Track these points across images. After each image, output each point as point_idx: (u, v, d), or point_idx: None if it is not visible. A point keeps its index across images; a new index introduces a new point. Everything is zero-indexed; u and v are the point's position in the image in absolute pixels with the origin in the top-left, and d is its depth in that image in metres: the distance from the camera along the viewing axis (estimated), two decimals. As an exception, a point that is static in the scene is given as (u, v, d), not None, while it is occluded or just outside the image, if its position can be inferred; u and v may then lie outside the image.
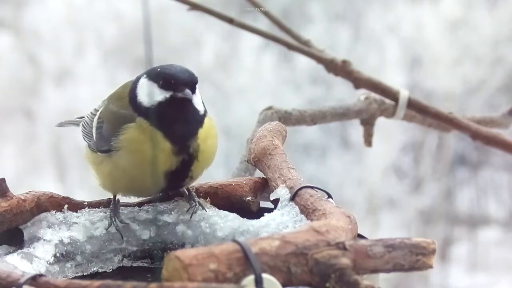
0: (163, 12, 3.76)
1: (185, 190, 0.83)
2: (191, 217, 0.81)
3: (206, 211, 0.81)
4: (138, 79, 0.81)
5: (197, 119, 0.79)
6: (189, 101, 0.77)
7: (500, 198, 4.21)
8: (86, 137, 0.86)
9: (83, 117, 0.91)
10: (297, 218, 0.74)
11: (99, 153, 0.81)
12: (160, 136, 0.77)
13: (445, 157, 4.03)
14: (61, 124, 1.00)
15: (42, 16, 3.94)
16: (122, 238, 0.79)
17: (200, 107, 0.80)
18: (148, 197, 0.84)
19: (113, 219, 0.80)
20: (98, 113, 0.84)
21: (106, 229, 0.79)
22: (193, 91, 0.78)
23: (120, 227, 0.80)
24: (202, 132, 0.79)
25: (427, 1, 4.03)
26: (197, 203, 0.81)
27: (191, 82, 0.78)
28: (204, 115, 0.80)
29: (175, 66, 0.79)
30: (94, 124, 0.84)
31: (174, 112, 0.78)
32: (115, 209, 0.81)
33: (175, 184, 0.81)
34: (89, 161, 0.84)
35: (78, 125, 0.92)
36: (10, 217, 0.76)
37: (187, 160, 0.79)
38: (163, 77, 0.77)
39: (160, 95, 0.77)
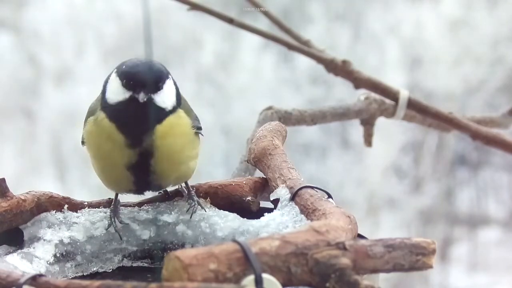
0: (163, 12, 3.76)
1: (184, 189, 0.83)
2: (191, 217, 0.81)
3: (205, 211, 0.81)
4: (111, 72, 0.80)
5: (156, 117, 0.78)
6: (146, 103, 0.76)
7: (500, 198, 4.21)
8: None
9: None
10: (297, 218, 0.74)
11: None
12: (114, 129, 0.77)
13: (445, 157, 4.03)
14: None
15: (42, 16, 3.94)
16: (121, 238, 0.80)
17: (166, 104, 0.78)
18: (148, 197, 0.84)
19: (112, 219, 0.80)
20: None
21: (106, 229, 0.79)
22: (155, 90, 0.77)
23: (119, 227, 0.80)
24: (159, 128, 0.78)
25: (427, 1, 4.03)
26: (196, 202, 0.81)
27: (152, 83, 0.77)
28: (170, 112, 0.79)
29: (140, 63, 0.78)
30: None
31: (131, 111, 0.77)
32: (115, 209, 0.81)
33: (143, 179, 0.80)
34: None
35: None
36: (10, 217, 0.76)
37: (144, 154, 0.78)
38: (126, 76, 0.77)
39: (121, 94, 0.77)
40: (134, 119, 0.77)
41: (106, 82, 0.80)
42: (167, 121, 0.78)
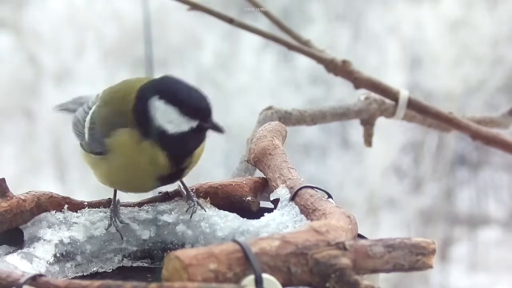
0: (163, 12, 3.76)
1: (183, 190, 0.83)
2: (191, 217, 0.81)
3: (205, 211, 0.81)
4: (145, 98, 0.76)
5: (204, 137, 0.78)
6: (206, 129, 0.76)
7: (500, 198, 4.21)
8: (77, 135, 0.84)
9: (81, 99, 0.90)
10: (297, 218, 0.74)
11: (92, 155, 0.81)
12: (163, 157, 0.76)
13: (445, 157, 4.03)
14: (60, 107, 0.97)
15: (42, 16, 3.94)
16: (122, 238, 0.79)
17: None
18: (148, 197, 0.84)
19: (113, 219, 0.80)
20: (90, 113, 0.82)
21: (106, 229, 0.79)
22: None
23: (120, 227, 0.80)
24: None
25: (427, 1, 4.03)
26: (195, 202, 0.81)
27: (211, 109, 0.76)
28: None
29: (190, 89, 0.75)
30: (87, 124, 0.82)
31: (195, 139, 0.76)
32: (115, 209, 0.81)
33: (169, 183, 0.81)
34: (84, 160, 0.84)
35: (73, 112, 0.90)
36: (10, 217, 0.76)
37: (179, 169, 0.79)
38: (188, 105, 0.74)
39: (184, 123, 0.75)
40: (193, 146, 0.77)
41: (142, 108, 0.75)
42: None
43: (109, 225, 0.79)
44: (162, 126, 0.75)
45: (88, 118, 0.82)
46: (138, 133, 0.76)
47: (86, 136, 0.82)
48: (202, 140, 0.78)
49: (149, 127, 0.75)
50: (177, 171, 0.79)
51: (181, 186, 0.84)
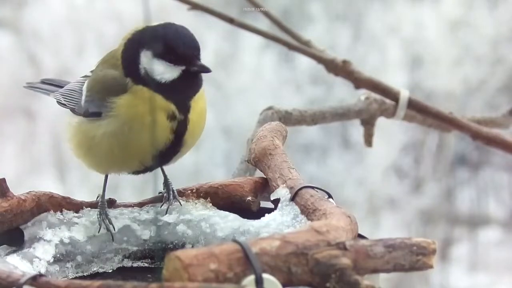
0: (163, 12, 3.76)
1: (163, 186, 0.83)
2: (166, 212, 0.81)
3: (181, 204, 0.81)
4: (136, 50, 0.78)
5: (201, 80, 0.79)
6: (198, 73, 0.77)
7: (500, 198, 4.21)
8: (70, 103, 0.84)
9: (52, 83, 0.91)
10: (297, 218, 0.74)
11: (85, 118, 0.81)
12: (162, 99, 0.77)
13: (446, 157, 4.02)
14: (29, 85, 0.98)
15: (42, 16, 3.94)
16: (113, 240, 0.79)
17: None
18: (148, 198, 0.84)
19: (105, 221, 0.80)
20: (88, 79, 0.84)
21: (99, 232, 0.79)
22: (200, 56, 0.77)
23: (110, 227, 0.79)
24: (194, 99, 0.79)
25: (427, 1, 4.03)
26: (171, 196, 0.82)
27: (199, 50, 0.77)
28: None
29: (177, 31, 0.77)
30: (84, 90, 0.83)
31: (185, 84, 0.78)
32: (103, 206, 0.81)
33: (171, 152, 0.80)
34: (70, 130, 0.83)
35: (47, 93, 0.91)
36: (10, 217, 0.76)
37: (180, 129, 0.78)
38: (172, 53, 0.76)
39: (173, 71, 0.77)
40: (191, 90, 0.78)
41: (132, 60, 0.78)
42: (200, 92, 0.80)
43: (100, 228, 0.79)
44: (154, 76, 0.77)
45: (85, 84, 0.83)
46: (139, 87, 0.77)
47: (83, 100, 0.82)
48: (198, 83, 0.78)
49: (144, 79, 0.78)
50: (180, 129, 0.78)
51: (163, 185, 0.84)
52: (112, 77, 0.79)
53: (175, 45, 0.77)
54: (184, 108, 0.78)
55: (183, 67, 0.77)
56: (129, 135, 0.78)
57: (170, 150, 0.80)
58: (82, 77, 0.86)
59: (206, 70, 0.77)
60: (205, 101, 0.81)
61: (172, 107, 0.77)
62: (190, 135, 0.80)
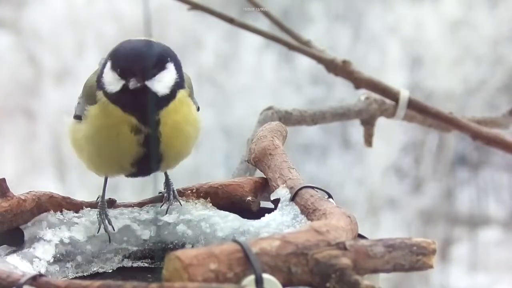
0: (163, 12, 3.76)
1: (165, 187, 0.83)
2: (166, 212, 0.81)
3: (181, 205, 0.81)
4: (105, 62, 0.79)
5: (156, 102, 0.77)
6: (140, 90, 0.75)
7: (500, 198, 4.21)
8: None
9: None
10: (297, 218, 0.74)
11: (74, 119, 0.82)
12: (119, 111, 0.77)
13: (446, 157, 4.02)
14: None
15: (42, 16, 3.94)
16: (110, 241, 0.79)
17: (164, 89, 0.77)
18: (148, 198, 0.84)
19: (105, 221, 0.80)
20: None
21: (98, 232, 0.79)
22: (149, 76, 0.76)
23: (109, 228, 0.80)
24: (163, 114, 0.78)
25: (427, 1, 4.03)
26: (171, 196, 0.82)
27: (140, 69, 0.76)
28: (171, 96, 0.78)
29: (133, 47, 0.77)
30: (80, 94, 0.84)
31: (128, 99, 0.77)
32: (103, 206, 0.81)
33: (149, 167, 0.80)
34: (70, 133, 0.84)
35: None
36: (10, 217, 0.76)
37: (152, 142, 0.78)
38: (118, 65, 0.77)
39: (116, 83, 0.77)
40: (135, 105, 0.77)
41: (103, 65, 0.79)
42: (171, 106, 0.78)
43: (99, 229, 0.79)
44: (105, 86, 0.78)
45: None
46: (103, 98, 0.78)
47: (77, 101, 0.84)
48: (149, 98, 0.76)
49: (101, 86, 0.78)
50: (150, 143, 0.77)
51: (164, 185, 0.84)
52: (91, 85, 0.81)
53: (121, 59, 0.77)
54: (148, 122, 0.77)
55: (123, 82, 0.76)
56: (100, 143, 0.79)
57: (148, 161, 0.79)
58: None
59: (133, 88, 0.75)
60: (184, 114, 0.79)
61: (133, 120, 0.76)
62: (168, 147, 0.79)
